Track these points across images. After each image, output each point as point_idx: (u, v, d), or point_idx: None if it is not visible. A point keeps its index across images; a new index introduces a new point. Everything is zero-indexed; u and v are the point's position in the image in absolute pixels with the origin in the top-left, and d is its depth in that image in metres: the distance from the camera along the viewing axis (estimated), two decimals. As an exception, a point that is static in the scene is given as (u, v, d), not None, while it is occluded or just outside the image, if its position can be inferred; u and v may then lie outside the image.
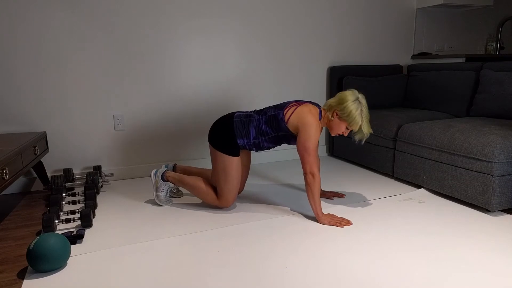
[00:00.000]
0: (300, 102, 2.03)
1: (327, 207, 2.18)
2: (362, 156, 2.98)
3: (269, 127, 2.01)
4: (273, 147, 2.14)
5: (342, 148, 3.24)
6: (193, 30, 2.87)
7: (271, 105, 2.07)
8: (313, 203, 1.95)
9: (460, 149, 2.14)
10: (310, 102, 2.07)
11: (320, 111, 2.02)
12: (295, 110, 1.97)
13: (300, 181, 2.71)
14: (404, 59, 3.71)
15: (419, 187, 2.52)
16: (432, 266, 1.53)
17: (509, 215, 2.04)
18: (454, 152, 2.18)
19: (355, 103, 1.91)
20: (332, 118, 1.98)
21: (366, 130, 1.94)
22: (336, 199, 2.32)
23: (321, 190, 2.34)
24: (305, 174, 1.94)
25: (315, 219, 2.00)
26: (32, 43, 2.49)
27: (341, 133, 2.02)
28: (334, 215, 2.00)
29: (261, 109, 2.09)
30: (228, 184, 2.07)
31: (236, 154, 2.06)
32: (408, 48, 3.70)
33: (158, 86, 2.84)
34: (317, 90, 3.38)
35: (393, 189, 2.50)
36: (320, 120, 2.00)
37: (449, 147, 2.21)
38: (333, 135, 2.07)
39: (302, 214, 2.09)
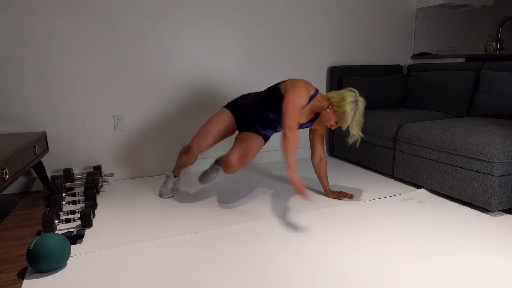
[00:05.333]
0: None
1: (328, 206, 2.18)
2: (362, 156, 2.98)
3: (267, 90, 2.19)
4: (267, 113, 2.16)
5: (342, 148, 3.24)
6: (193, 30, 2.87)
7: None
8: (290, 158, 1.89)
9: (460, 149, 2.14)
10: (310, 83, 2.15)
11: (316, 93, 2.10)
12: (291, 78, 2.11)
13: (301, 180, 2.70)
14: (404, 59, 3.71)
15: (419, 187, 2.52)
16: (432, 266, 1.53)
17: (509, 215, 2.04)
18: (454, 152, 2.18)
19: (352, 105, 1.96)
20: (328, 110, 2.02)
21: (355, 132, 2.00)
22: (344, 199, 2.32)
23: (330, 189, 2.37)
24: (284, 128, 1.94)
25: (315, 219, 2.00)
26: (32, 43, 2.49)
27: (329, 126, 2.08)
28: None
29: None
30: (206, 127, 2.20)
31: (229, 108, 2.23)
32: (408, 48, 3.71)
33: (158, 86, 2.84)
34: (317, 90, 3.38)
35: (393, 189, 2.50)
36: (312, 99, 2.08)
37: (449, 147, 2.21)
38: (322, 123, 2.17)
39: (301, 214, 2.09)
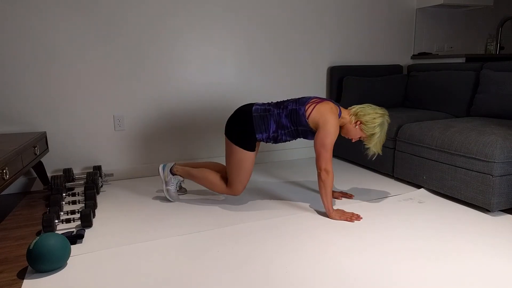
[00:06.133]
0: (320, 99, 2.05)
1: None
2: (362, 156, 2.98)
3: (289, 120, 2.04)
4: (290, 140, 2.18)
5: (342, 148, 3.24)
6: (194, 30, 2.87)
7: (289, 99, 2.08)
8: (325, 199, 2.00)
9: (460, 149, 2.14)
10: (329, 100, 2.09)
11: (340, 110, 2.07)
12: (315, 106, 2.00)
13: (301, 180, 2.71)
14: (404, 59, 3.71)
15: (419, 187, 2.52)
16: (432, 266, 1.53)
17: (509, 215, 2.04)
18: (454, 152, 2.18)
19: (380, 127, 2.02)
20: (355, 126, 2.05)
21: (375, 149, 2.06)
22: (344, 199, 2.33)
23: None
24: (319, 170, 1.98)
25: (315, 219, 2.01)
26: (33, 44, 2.49)
27: (350, 138, 2.12)
28: (344, 211, 2.04)
29: (278, 102, 2.11)
30: (240, 176, 2.11)
31: (253, 149, 2.09)
32: (408, 48, 3.70)
33: (158, 86, 2.84)
34: (317, 90, 3.38)
35: (393, 189, 2.50)
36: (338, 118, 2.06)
37: (449, 147, 2.21)
38: (344, 135, 2.14)
39: (302, 214, 2.09)
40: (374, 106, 2.06)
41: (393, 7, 3.55)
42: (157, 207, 2.23)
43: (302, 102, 2.04)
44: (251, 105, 2.11)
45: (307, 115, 2.00)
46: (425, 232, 1.84)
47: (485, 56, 3.36)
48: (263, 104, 2.11)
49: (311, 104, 2.01)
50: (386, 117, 2.04)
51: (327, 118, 1.96)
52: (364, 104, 2.08)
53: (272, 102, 2.18)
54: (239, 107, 2.14)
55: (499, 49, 3.76)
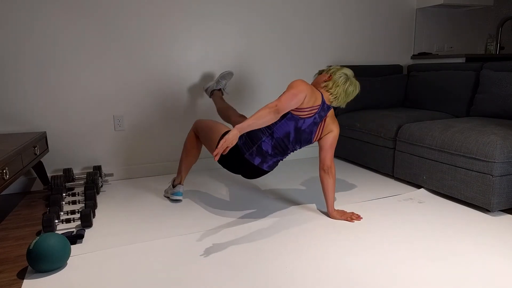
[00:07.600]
0: (319, 127, 1.96)
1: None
2: (362, 156, 2.98)
3: (297, 142, 2.00)
4: None
5: (342, 148, 3.24)
6: (193, 31, 2.87)
7: (288, 139, 1.93)
8: (332, 196, 2.02)
9: (460, 149, 2.14)
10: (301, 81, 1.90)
11: (322, 96, 1.96)
12: (322, 131, 1.98)
13: (301, 179, 2.71)
14: (404, 59, 3.71)
15: (419, 187, 2.52)
16: (432, 266, 1.53)
17: (509, 215, 2.04)
18: (454, 152, 2.18)
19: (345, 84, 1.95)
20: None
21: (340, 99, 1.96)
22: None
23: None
24: (328, 168, 1.99)
25: (315, 219, 2.01)
26: (32, 44, 2.49)
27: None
28: (345, 211, 2.05)
29: (282, 146, 1.94)
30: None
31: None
32: (408, 48, 3.71)
33: (158, 86, 2.84)
34: (317, 90, 3.38)
35: (393, 189, 2.50)
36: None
37: (449, 147, 2.21)
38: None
39: (302, 214, 2.09)
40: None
41: (393, 7, 3.55)
42: (157, 207, 2.23)
43: (307, 140, 1.97)
44: (260, 164, 1.95)
45: (314, 135, 1.99)
46: (425, 232, 1.84)
47: (485, 56, 3.36)
48: (266, 155, 1.93)
49: (316, 134, 1.98)
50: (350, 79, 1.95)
51: (337, 129, 2.00)
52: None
53: (269, 150, 1.93)
54: (252, 173, 2.00)
55: (499, 49, 3.76)
